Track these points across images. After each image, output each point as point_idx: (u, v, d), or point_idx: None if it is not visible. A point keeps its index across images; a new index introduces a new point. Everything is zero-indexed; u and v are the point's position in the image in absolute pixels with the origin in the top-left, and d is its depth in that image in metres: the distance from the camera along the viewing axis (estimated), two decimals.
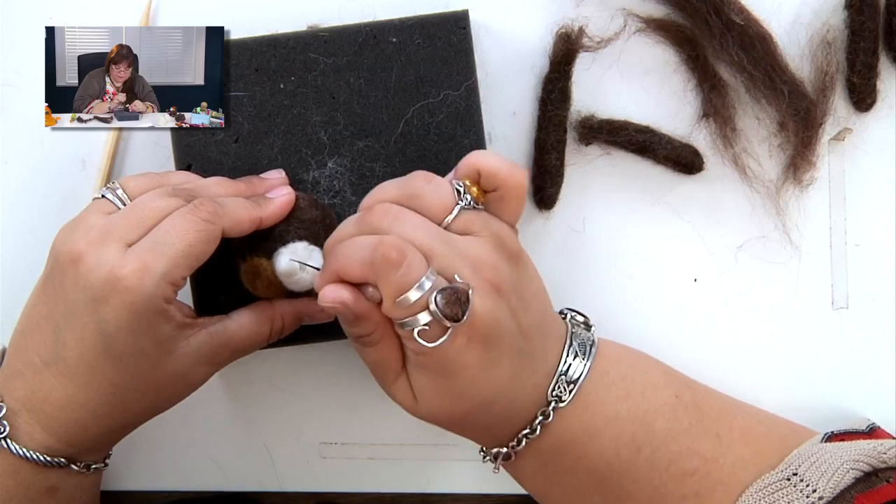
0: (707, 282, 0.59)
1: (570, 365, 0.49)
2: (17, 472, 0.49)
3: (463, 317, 0.44)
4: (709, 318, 0.59)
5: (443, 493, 0.61)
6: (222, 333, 0.51)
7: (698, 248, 0.59)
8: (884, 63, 0.57)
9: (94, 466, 0.52)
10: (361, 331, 0.47)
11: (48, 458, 0.49)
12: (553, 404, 0.48)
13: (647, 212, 0.59)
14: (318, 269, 0.50)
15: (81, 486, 0.52)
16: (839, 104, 0.58)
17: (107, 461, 0.53)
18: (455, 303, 0.44)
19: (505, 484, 0.60)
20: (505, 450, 0.50)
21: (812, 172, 0.57)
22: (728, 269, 0.59)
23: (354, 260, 0.46)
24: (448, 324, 0.44)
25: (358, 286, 0.46)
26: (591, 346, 0.50)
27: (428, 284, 0.44)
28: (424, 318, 0.44)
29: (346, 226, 0.48)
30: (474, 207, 0.48)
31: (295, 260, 0.50)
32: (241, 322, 0.52)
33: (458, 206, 0.47)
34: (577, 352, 0.49)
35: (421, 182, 0.48)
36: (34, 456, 0.49)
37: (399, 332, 0.46)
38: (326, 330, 0.54)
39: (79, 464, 0.51)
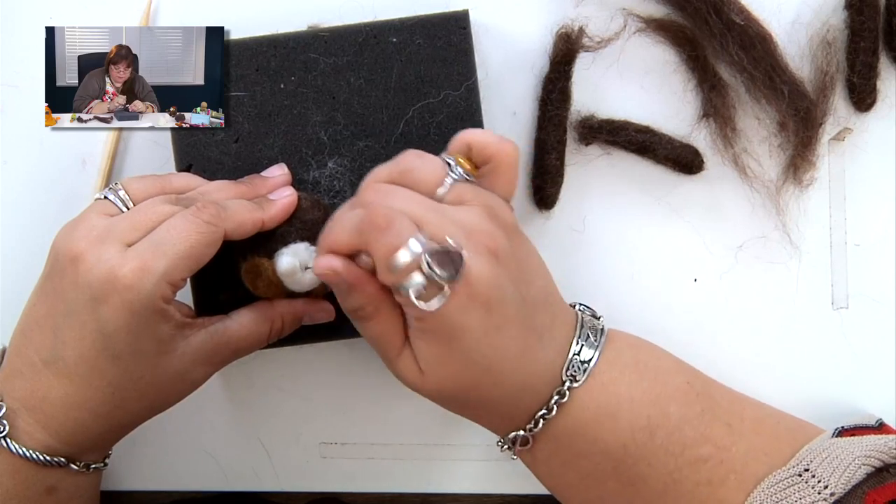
0: (707, 282, 0.59)
1: (582, 346, 0.49)
2: (16, 472, 0.49)
3: (457, 275, 0.44)
4: (709, 318, 0.59)
5: (443, 493, 0.61)
6: (222, 333, 0.51)
7: (698, 248, 0.59)
8: (884, 63, 0.57)
9: (93, 466, 0.52)
10: (355, 302, 0.47)
11: (48, 458, 0.49)
12: (568, 383, 0.48)
13: (647, 212, 0.59)
14: None
15: (81, 485, 0.52)
16: (839, 104, 0.58)
17: (106, 461, 0.53)
18: (447, 261, 0.44)
19: (505, 484, 0.60)
20: (522, 433, 0.49)
21: (812, 172, 0.57)
22: (728, 269, 0.59)
23: (344, 229, 0.46)
24: (443, 283, 0.44)
25: (352, 258, 0.47)
26: (601, 332, 0.50)
27: (418, 246, 0.44)
28: (419, 279, 0.44)
29: (341, 209, 0.49)
30: (466, 180, 0.48)
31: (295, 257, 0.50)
32: (241, 322, 0.52)
33: (450, 179, 0.48)
34: (588, 335, 0.49)
35: (411, 158, 0.49)
36: (34, 455, 0.49)
37: (398, 300, 0.46)
38: (326, 330, 0.54)
39: (78, 463, 0.51)
